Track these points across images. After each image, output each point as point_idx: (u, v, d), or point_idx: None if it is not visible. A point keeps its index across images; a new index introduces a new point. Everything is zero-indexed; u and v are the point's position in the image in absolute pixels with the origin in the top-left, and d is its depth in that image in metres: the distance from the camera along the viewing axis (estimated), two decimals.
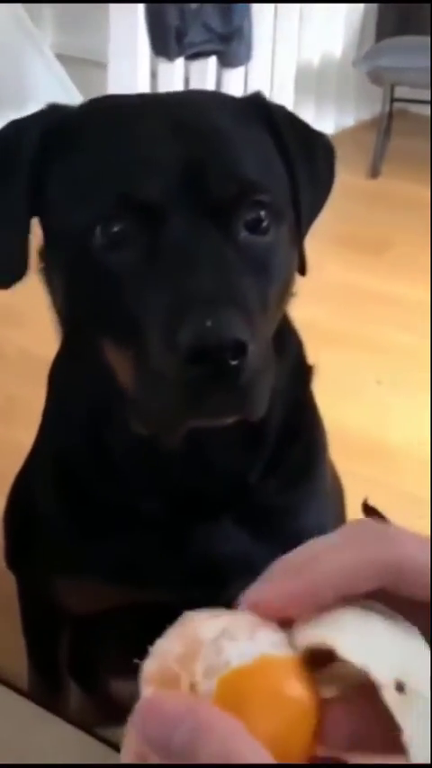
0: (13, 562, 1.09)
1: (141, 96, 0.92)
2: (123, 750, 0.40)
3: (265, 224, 0.81)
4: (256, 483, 0.92)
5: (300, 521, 0.95)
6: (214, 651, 0.39)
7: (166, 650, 0.40)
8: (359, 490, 1.73)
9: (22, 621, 1.16)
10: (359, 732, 0.40)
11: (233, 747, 0.35)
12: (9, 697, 0.84)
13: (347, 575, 0.42)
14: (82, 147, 0.82)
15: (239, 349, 0.71)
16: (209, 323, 0.70)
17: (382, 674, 0.38)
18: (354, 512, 1.40)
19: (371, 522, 0.45)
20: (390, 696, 0.38)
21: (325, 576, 0.42)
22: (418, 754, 0.37)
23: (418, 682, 0.39)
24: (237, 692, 0.38)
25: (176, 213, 0.77)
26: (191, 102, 0.89)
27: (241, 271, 0.78)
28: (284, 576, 0.42)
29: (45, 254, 0.87)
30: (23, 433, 1.05)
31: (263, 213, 0.80)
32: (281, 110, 0.92)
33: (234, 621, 0.41)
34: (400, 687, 0.38)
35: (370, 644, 0.39)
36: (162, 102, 0.89)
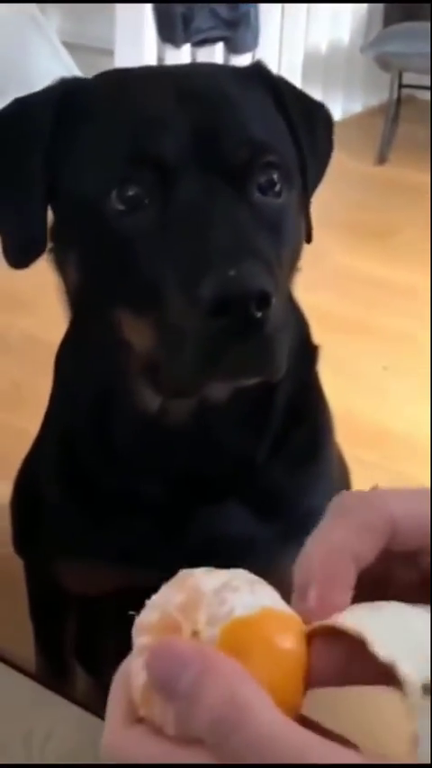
0: (20, 546, 1.10)
1: (148, 68, 0.93)
2: (109, 715, 0.41)
3: (277, 187, 0.81)
4: (261, 464, 0.92)
5: (305, 503, 0.95)
6: (217, 601, 0.40)
7: (167, 600, 0.41)
8: (365, 475, 1.73)
9: (30, 605, 1.17)
10: (344, 666, 0.41)
11: (238, 690, 0.36)
12: (16, 679, 0.84)
13: (353, 550, 0.43)
14: (94, 118, 0.83)
15: (264, 299, 0.70)
16: (232, 272, 0.69)
17: (411, 675, 0.38)
18: None
19: (349, 492, 0.46)
20: (413, 696, 0.38)
21: (332, 557, 0.42)
22: (424, 756, 0.37)
23: None
24: (239, 640, 0.39)
25: (190, 174, 0.77)
26: (196, 71, 0.91)
27: (257, 229, 0.78)
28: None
29: (56, 231, 0.86)
30: (29, 420, 1.06)
31: (275, 176, 0.81)
32: (282, 79, 0.93)
33: (234, 576, 0.42)
34: (426, 689, 0.38)
35: (400, 639, 0.40)
36: (169, 72, 0.91)
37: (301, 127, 0.89)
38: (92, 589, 1.00)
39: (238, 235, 0.75)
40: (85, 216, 0.81)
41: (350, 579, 0.42)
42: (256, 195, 0.80)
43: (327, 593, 0.42)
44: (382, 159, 3.88)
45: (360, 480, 1.30)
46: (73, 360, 0.96)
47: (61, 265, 0.87)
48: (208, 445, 0.87)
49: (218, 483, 0.91)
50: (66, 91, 0.85)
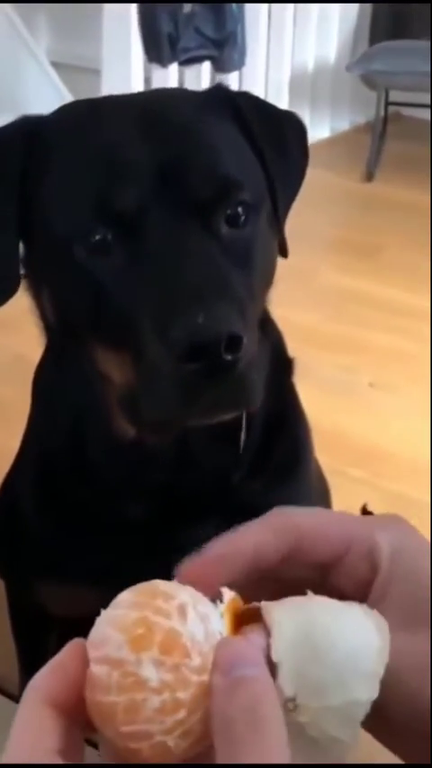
0: (0, 567, 1.10)
1: (108, 99, 0.91)
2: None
3: (243, 218, 0.81)
4: (240, 482, 0.92)
5: None
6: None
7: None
8: (352, 491, 1.73)
9: (12, 625, 1.17)
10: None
11: (262, 700, 0.40)
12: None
13: (253, 544, 0.49)
14: (58, 161, 0.82)
15: (234, 343, 0.71)
16: (201, 319, 0.70)
17: (283, 685, 0.43)
18: (346, 510, 1.40)
19: (277, 509, 0.52)
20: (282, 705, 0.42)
21: (233, 546, 0.49)
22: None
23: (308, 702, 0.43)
24: None
25: (156, 216, 0.77)
26: (157, 101, 0.88)
27: (227, 265, 0.78)
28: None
29: (29, 264, 0.86)
30: (14, 438, 1.06)
31: (240, 209, 0.81)
32: (244, 97, 0.91)
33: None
34: (291, 704, 0.42)
35: (299, 646, 0.43)
36: (130, 103, 0.88)
37: (269, 146, 0.88)
38: (72, 610, 0.99)
39: (206, 276, 0.75)
40: (55, 256, 0.81)
41: (238, 562, 0.49)
42: (224, 229, 0.80)
43: (208, 563, 0.49)
44: (369, 176, 3.90)
45: (348, 497, 1.30)
46: (50, 382, 0.96)
47: (35, 295, 0.86)
48: (186, 464, 0.88)
49: (198, 501, 0.91)
50: (31, 132, 0.84)
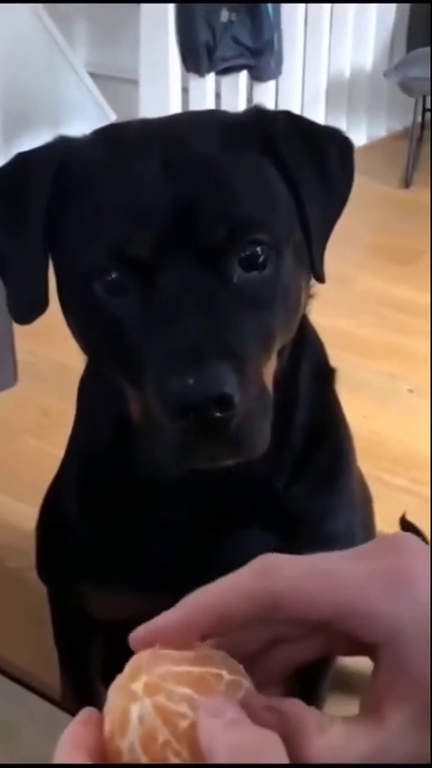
0: (44, 572, 1.11)
1: (140, 127, 0.89)
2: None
3: (261, 259, 0.80)
4: (282, 489, 0.93)
5: (327, 527, 0.95)
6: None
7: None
8: (391, 498, 1.73)
9: (54, 630, 1.17)
10: None
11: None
12: (41, 706, 0.85)
13: (219, 610, 0.47)
14: (83, 188, 0.82)
15: (225, 403, 0.72)
16: (191, 381, 0.71)
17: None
18: (386, 519, 1.40)
19: (267, 557, 0.49)
20: None
21: (198, 610, 0.47)
22: None
23: None
24: None
25: (168, 262, 0.77)
26: (184, 131, 0.86)
27: (236, 314, 0.77)
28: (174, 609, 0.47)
29: (58, 289, 0.86)
30: (58, 447, 1.07)
31: (259, 249, 0.79)
32: (282, 120, 0.89)
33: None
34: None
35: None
36: (156, 132, 0.85)
37: (305, 169, 0.85)
38: (115, 614, 1.00)
39: (208, 331, 0.75)
40: (76, 289, 0.82)
41: (201, 626, 0.47)
42: (238, 273, 0.79)
43: (167, 631, 0.47)
44: (406, 183, 3.89)
45: (387, 504, 1.30)
46: (92, 392, 0.97)
47: (66, 317, 0.87)
48: (229, 473, 0.88)
49: (240, 509, 0.91)
50: (63, 160, 0.84)
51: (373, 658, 0.46)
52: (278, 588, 0.46)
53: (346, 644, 0.48)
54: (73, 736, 0.45)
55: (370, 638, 0.45)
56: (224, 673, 0.45)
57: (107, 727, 0.45)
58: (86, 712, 0.46)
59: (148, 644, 0.47)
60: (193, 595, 0.48)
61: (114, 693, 0.46)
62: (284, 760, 0.40)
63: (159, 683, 0.45)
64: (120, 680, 0.47)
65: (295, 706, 0.45)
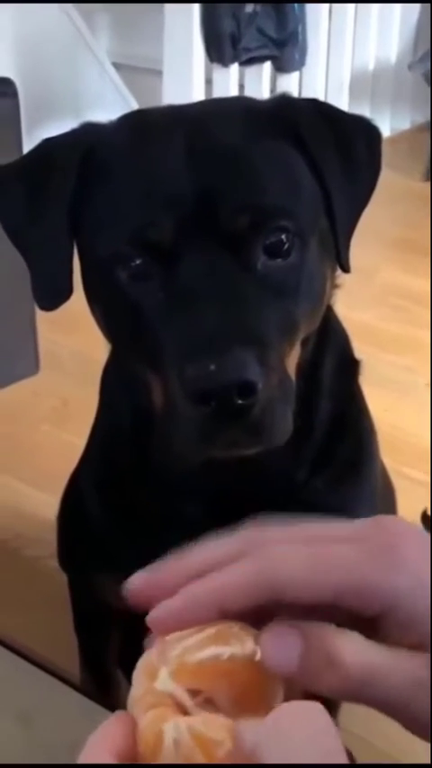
0: (64, 561, 1.12)
1: (166, 113, 0.89)
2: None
3: (286, 246, 0.80)
4: (303, 481, 0.92)
5: (348, 519, 0.95)
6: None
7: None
8: (411, 492, 1.72)
9: (74, 619, 1.18)
10: None
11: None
12: (60, 691, 0.85)
13: (220, 597, 0.47)
14: (108, 173, 0.82)
15: (247, 389, 0.72)
16: (212, 366, 0.71)
17: None
18: (407, 513, 1.40)
19: (253, 533, 0.52)
20: None
21: (200, 597, 0.48)
22: None
23: None
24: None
25: (190, 248, 0.77)
26: (210, 118, 0.86)
27: (259, 301, 0.77)
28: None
29: (82, 276, 0.87)
30: (78, 436, 1.07)
31: (283, 237, 0.79)
32: (308, 108, 0.88)
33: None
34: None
35: None
36: (182, 119, 0.85)
37: (331, 158, 0.85)
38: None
39: (230, 318, 0.75)
40: (100, 276, 0.82)
41: (201, 615, 0.47)
42: (262, 260, 0.79)
43: (169, 620, 0.48)
44: (429, 175, 3.87)
45: (407, 498, 1.30)
46: (114, 383, 0.98)
47: (90, 304, 0.87)
48: (248, 464, 0.88)
49: (258, 502, 0.91)
50: (89, 146, 0.84)
51: (373, 636, 0.47)
52: (279, 581, 0.47)
53: (346, 624, 0.48)
54: (103, 737, 0.45)
55: (370, 611, 0.46)
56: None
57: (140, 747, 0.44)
58: (117, 715, 0.46)
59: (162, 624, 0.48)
60: (192, 587, 0.48)
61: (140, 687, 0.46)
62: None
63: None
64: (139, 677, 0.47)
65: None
